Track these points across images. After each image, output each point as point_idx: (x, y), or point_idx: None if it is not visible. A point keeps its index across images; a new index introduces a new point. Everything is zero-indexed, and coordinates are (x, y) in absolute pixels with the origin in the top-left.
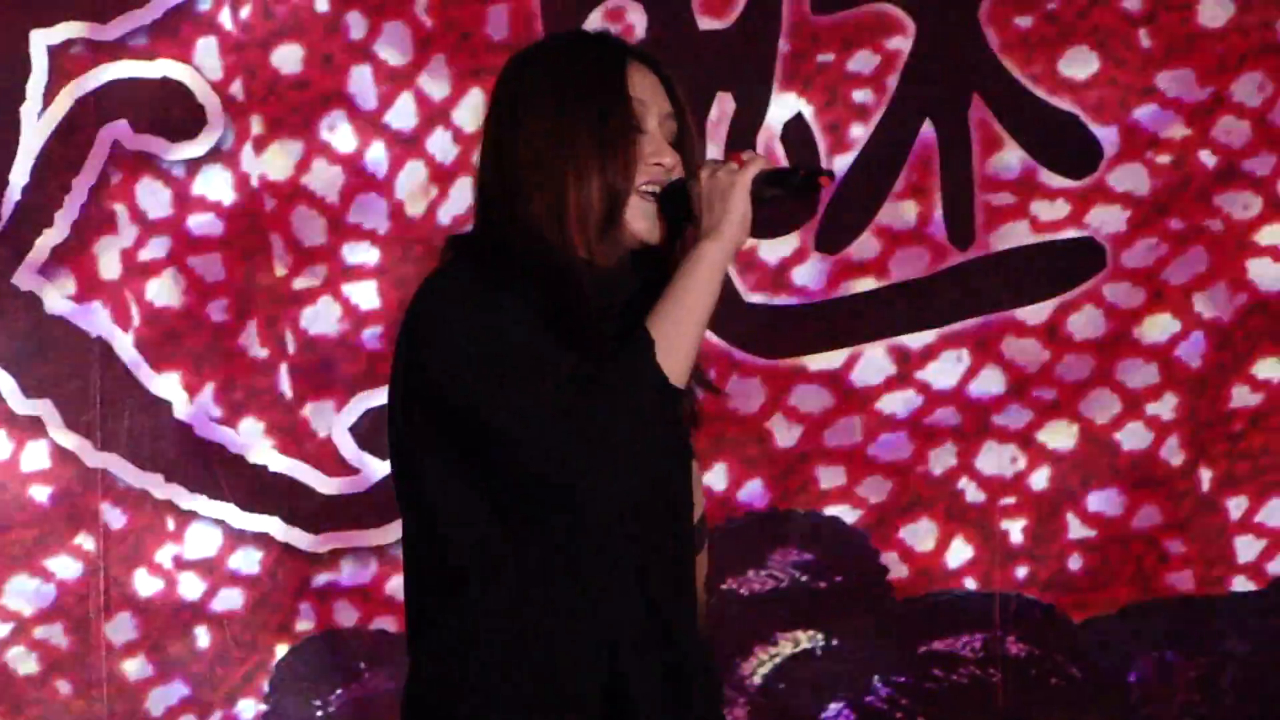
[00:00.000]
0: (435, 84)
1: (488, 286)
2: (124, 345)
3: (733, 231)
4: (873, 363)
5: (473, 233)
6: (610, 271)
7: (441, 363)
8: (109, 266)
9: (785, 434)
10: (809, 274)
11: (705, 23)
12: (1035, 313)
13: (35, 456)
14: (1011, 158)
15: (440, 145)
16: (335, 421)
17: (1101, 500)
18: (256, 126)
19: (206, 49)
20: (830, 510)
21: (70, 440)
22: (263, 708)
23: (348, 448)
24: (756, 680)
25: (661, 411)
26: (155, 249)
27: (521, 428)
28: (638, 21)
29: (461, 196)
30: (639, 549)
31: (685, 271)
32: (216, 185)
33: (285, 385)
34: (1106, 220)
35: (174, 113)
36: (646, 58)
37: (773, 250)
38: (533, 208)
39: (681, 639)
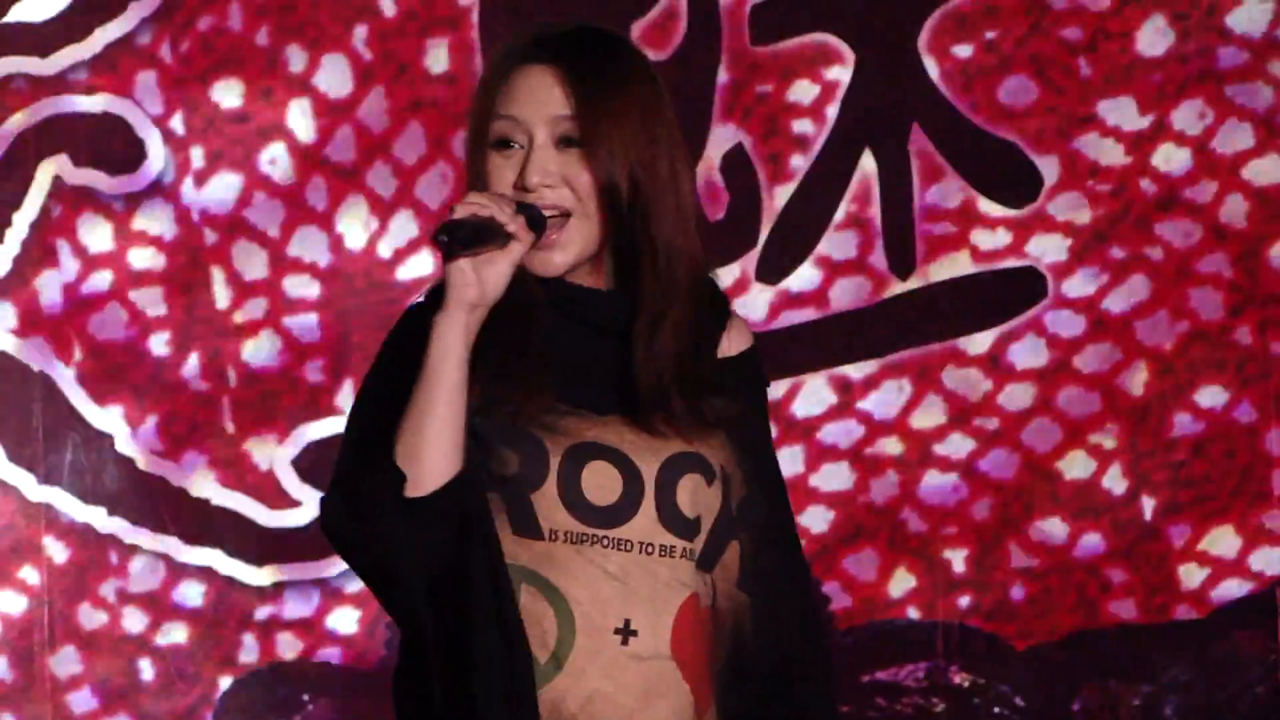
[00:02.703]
0: (375, 117)
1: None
2: (66, 379)
3: (450, 293)
4: (814, 393)
5: None
6: (583, 290)
7: None
8: (51, 300)
9: None
10: (749, 305)
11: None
12: (977, 342)
13: None
14: (952, 187)
15: (380, 178)
16: (277, 454)
17: (1044, 529)
18: (197, 160)
19: (146, 83)
20: None
21: (13, 474)
22: None
23: (290, 481)
24: None
25: (402, 516)
26: (97, 283)
27: (341, 459)
28: None
29: (402, 229)
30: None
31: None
32: (157, 219)
33: (227, 418)
34: (1047, 249)
35: (114, 147)
36: (546, 53)
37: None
38: None
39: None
